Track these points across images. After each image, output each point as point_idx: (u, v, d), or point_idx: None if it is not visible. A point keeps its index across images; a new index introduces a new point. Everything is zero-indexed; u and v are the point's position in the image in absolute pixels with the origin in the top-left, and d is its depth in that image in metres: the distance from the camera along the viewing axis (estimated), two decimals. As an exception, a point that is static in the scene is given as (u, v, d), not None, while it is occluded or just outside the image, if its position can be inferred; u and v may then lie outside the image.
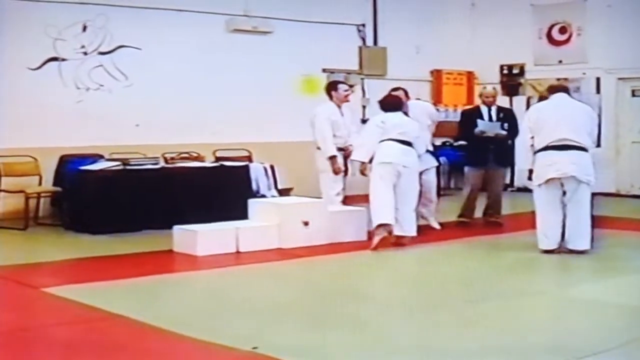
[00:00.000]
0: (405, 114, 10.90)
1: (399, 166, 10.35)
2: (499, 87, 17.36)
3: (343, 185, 11.75)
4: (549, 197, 9.96)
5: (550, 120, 9.92)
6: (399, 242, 10.55)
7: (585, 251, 9.90)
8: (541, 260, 9.87)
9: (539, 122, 10.00)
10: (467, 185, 12.19)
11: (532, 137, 10.02)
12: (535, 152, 9.99)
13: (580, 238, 9.91)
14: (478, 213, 12.44)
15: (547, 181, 9.89)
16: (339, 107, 11.76)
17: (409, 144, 10.48)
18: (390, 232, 10.43)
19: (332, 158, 11.50)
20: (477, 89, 15.86)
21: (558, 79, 16.86)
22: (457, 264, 9.90)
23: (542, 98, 11.75)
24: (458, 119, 13.23)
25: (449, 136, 15.70)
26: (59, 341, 6.53)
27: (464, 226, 12.16)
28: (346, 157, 11.59)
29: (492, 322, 7.07)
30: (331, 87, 11.96)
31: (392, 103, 10.88)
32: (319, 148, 11.63)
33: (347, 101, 11.92)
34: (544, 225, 10.03)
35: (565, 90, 10.41)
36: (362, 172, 10.74)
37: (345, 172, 11.69)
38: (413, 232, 10.64)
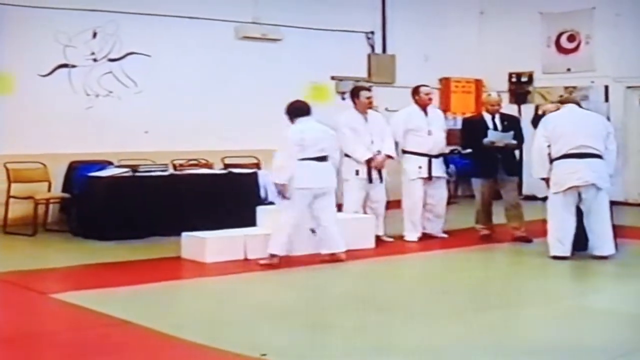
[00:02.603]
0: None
1: (318, 190, 9.95)
2: (507, 95, 17.38)
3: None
4: (566, 205, 10.05)
5: (568, 128, 10.07)
6: (336, 258, 10.07)
7: (610, 256, 10.03)
8: (553, 267, 9.88)
9: (556, 130, 10.10)
10: (478, 196, 11.87)
11: (549, 146, 10.11)
12: (553, 160, 10.08)
13: (605, 243, 10.07)
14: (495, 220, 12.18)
15: (566, 189, 9.98)
16: (363, 113, 11.68)
17: (326, 158, 10.05)
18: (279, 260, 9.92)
19: (368, 161, 11.49)
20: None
21: (566, 87, 16.93)
22: (466, 271, 9.92)
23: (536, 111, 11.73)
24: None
25: (456, 144, 15.71)
26: (66, 347, 6.54)
27: (485, 236, 11.83)
28: (370, 164, 11.51)
29: (500, 330, 7.06)
30: (354, 94, 11.88)
31: (302, 108, 10.19)
32: (347, 155, 11.52)
33: (370, 107, 11.82)
34: (560, 232, 10.09)
35: (575, 102, 10.53)
36: (283, 195, 9.95)
37: (370, 179, 11.55)
38: (342, 247, 10.11)
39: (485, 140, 11.50)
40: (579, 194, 10.01)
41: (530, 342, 6.59)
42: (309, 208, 9.99)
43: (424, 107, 11.93)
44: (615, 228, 10.34)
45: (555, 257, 10.04)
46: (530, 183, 11.45)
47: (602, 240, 10.08)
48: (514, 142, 11.66)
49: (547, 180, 10.26)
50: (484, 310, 7.75)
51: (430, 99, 12.07)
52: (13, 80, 13.06)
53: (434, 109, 12.24)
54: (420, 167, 11.76)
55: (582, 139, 9.98)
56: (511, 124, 11.90)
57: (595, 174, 9.95)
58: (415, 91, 12.01)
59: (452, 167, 13.64)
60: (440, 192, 11.99)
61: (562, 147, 10.00)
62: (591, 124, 10.26)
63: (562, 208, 10.07)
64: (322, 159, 10.00)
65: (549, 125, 10.22)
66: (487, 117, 11.80)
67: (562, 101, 10.81)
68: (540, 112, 11.59)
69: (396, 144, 11.76)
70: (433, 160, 11.80)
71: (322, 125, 10.18)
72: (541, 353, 6.30)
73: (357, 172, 11.45)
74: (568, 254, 10.04)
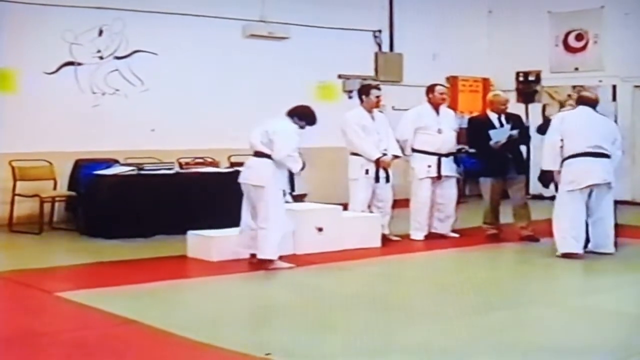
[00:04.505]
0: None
1: (244, 186, 9.74)
2: (514, 94, 17.34)
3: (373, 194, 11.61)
4: (580, 202, 10.16)
5: (585, 127, 10.22)
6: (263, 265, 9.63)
7: (612, 253, 10.21)
8: (561, 266, 9.88)
9: (573, 127, 10.23)
10: (486, 196, 11.81)
11: (562, 140, 10.20)
12: (567, 157, 10.17)
13: (608, 241, 10.27)
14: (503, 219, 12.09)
15: (583, 187, 10.09)
16: (370, 112, 11.66)
17: (263, 155, 9.67)
18: (253, 256, 9.76)
19: (376, 161, 11.45)
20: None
21: (574, 87, 16.86)
22: (472, 271, 9.91)
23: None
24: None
25: (464, 143, 15.70)
26: (72, 346, 6.52)
27: (492, 235, 11.81)
28: (378, 164, 11.47)
29: (506, 330, 7.03)
30: (363, 92, 11.85)
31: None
32: (353, 154, 11.54)
33: (378, 106, 11.80)
34: (574, 230, 10.15)
35: (592, 105, 10.52)
36: None
37: (377, 179, 11.50)
38: (266, 254, 9.56)
39: (492, 143, 11.45)
40: (590, 192, 10.13)
41: (537, 343, 6.56)
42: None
43: (436, 106, 11.91)
44: (617, 227, 10.50)
45: (568, 255, 10.05)
46: (537, 182, 11.41)
47: (609, 238, 10.28)
48: (514, 132, 11.58)
49: (553, 173, 10.33)
50: (490, 310, 7.72)
51: (443, 99, 12.07)
52: (19, 78, 13.03)
53: (445, 109, 12.20)
54: (429, 166, 11.74)
55: (598, 140, 10.15)
56: (516, 122, 11.87)
57: (608, 174, 10.16)
58: (430, 89, 12.00)
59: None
60: (449, 192, 11.96)
61: (578, 146, 10.13)
62: (605, 127, 10.42)
63: (576, 205, 10.16)
64: (258, 154, 9.76)
65: (566, 121, 10.33)
66: (493, 116, 11.78)
67: (579, 101, 10.72)
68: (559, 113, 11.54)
69: (404, 142, 11.75)
70: (442, 159, 11.77)
71: (280, 124, 9.81)
72: (547, 354, 6.27)
73: (366, 172, 11.42)
74: (581, 250, 10.13)
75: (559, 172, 10.26)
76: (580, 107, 10.48)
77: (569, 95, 16.27)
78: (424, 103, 12.01)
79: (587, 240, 10.27)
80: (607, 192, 10.23)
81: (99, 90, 13.91)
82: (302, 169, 9.86)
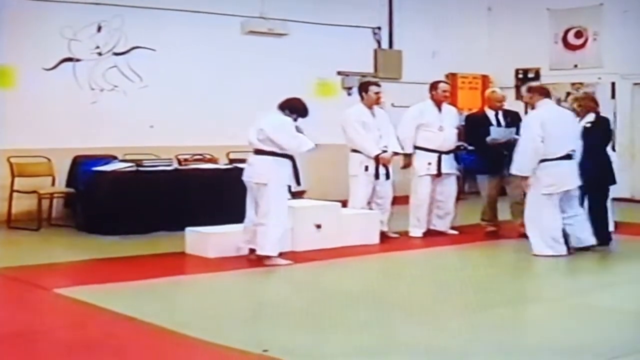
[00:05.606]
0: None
1: (248, 183, 9.78)
2: (513, 91, 17.32)
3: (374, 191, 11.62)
4: (557, 204, 10.15)
5: (562, 130, 10.16)
6: (260, 260, 9.66)
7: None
8: (558, 264, 9.87)
9: (553, 131, 10.09)
10: (484, 193, 11.86)
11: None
12: (545, 160, 10.08)
13: (587, 234, 10.22)
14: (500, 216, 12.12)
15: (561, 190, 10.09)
16: (370, 108, 11.65)
17: (262, 152, 9.75)
18: (252, 251, 9.81)
19: (376, 157, 11.44)
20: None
21: (573, 84, 16.87)
22: (470, 268, 9.89)
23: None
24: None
25: (463, 140, 15.69)
26: (69, 343, 6.51)
27: (490, 232, 11.85)
28: (377, 161, 11.47)
29: (504, 327, 7.05)
30: (362, 88, 11.85)
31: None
32: (353, 151, 11.55)
33: (378, 103, 11.78)
34: (554, 230, 10.12)
35: (549, 95, 10.55)
36: None
37: (377, 176, 11.52)
38: (265, 250, 9.60)
39: (489, 139, 11.48)
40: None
41: (535, 340, 6.57)
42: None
43: (439, 103, 11.91)
44: (616, 226, 10.75)
45: (549, 256, 10.03)
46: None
47: (587, 231, 10.23)
48: (517, 137, 11.58)
49: (527, 178, 10.26)
50: (489, 308, 7.72)
51: (446, 97, 12.07)
52: (17, 74, 13.02)
53: (447, 106, 12.20)
54: (429, 164, 11.73)
55: (572, 143, 10.15)
56: (514, 119, 11.86)
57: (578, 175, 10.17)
58: (433, 87, 12.00)
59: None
60: (449, 189, 11.96)
61: (557, 150, 10.05)
62: (574, 125, 10.40)
63: (554, 208, 10.13)
64: (258, 152, 9.79)
65: (547, 126, 10.11)
66: (491, 113, 11.80)
67: (539, 92, 10.57)
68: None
69: (405, 139, 11.74)
70: (443, 156, 11.77)
71: (272, 118, 9.86)
72: (546, 352, 6.26)
73: (366, 168, 11.42)
74: (564, 252, 10.08)
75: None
76: (546, 101, 10.37)
77: (568, 93, 16.24)
78: (425, 100, 12.00)
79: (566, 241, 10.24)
80: (575, 191, 10.20)
81: (98, 86, 13.89)
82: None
